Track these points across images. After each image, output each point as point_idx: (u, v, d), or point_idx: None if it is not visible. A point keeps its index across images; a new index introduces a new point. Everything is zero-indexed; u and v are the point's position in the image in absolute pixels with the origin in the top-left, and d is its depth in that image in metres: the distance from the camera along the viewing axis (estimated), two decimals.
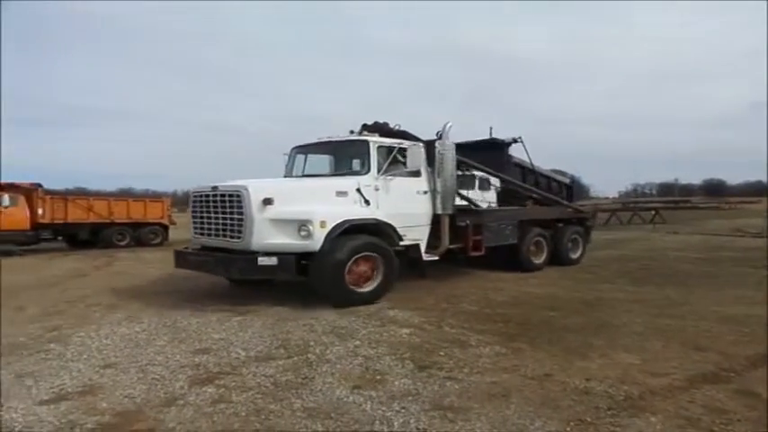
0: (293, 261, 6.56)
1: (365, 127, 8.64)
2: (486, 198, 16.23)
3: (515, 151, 18.32)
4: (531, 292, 8.07)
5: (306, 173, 8.51)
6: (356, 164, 8.16)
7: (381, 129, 8.55)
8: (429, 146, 8.27)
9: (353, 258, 6.80)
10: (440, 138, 8.30)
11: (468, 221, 8.78)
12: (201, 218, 7.48)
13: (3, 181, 16.85)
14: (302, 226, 6.59)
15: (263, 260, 6.50)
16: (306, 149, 8.77)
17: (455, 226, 8.50)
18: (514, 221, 9.93)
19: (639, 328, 5.72)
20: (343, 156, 8.45)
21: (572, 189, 20.94)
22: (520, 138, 17.64)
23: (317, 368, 4.48)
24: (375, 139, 7.85)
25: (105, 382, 4.16)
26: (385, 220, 7.34)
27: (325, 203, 6.95)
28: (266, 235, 6.61)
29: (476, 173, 16.33)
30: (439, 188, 8.15)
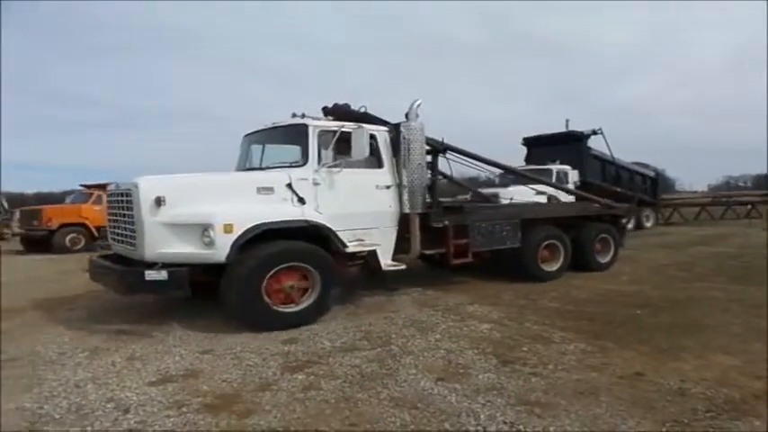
0: (185, 276, 5.33)
1: (324, 110, 7.40)
2: (563, 193, 15.83)
3: (596, 144, 17.87)
4: (617, 289, 7.76)
5: (264, 165, 6.95)
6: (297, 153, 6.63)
7: (340, 111, 7.32)
8: (397, 130, 6.96)
9: (273, 270, 5.56)
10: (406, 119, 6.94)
11: (446, 222, 7.36)
12: (112, 221, 6.41)
13: (91, 182, 17.88)
14: (204, 231, 5.38)
15: (150, 274, 5.29)
16: (252, 138, 7.30)
17: (430, 227, 7.20)
18: (515, 221, 8.09)
19: (738, 329, 5.38)
20: (285, 144, 7.02)
21: (656, 182, 19.98)
22: (599, 129, 17.11)
23: (400, 360, 4.58)
24: (316, 123, 6.46)
25: (204, 367, 4.47)
26: (321, 221, 5.99)
27: (240, 203, 5.68)
28: (161, 242, 5.42)
29: (552, 167, 16.05)
30: (405, 181, 6.84)
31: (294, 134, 6.55)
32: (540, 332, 5.39)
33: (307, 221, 5.89)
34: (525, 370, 4.26)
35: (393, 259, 6.82)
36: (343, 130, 6.34)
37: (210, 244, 5.33)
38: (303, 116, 6.65)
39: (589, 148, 17.08)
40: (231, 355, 4.76)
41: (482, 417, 3.39)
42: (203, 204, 5.51)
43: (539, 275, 8.27)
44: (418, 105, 6.94)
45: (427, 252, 7.33)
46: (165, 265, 5.38)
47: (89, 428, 3.32)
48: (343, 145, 6.33)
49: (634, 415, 3.36)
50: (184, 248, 5.42)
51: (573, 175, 15.98)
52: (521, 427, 3.24)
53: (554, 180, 15.75)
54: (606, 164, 17.44)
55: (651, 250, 12.60)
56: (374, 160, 6.74)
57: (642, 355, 4.58)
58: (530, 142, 18.27)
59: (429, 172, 7.47)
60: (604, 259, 9.44)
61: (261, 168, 6.76)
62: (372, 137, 6.64)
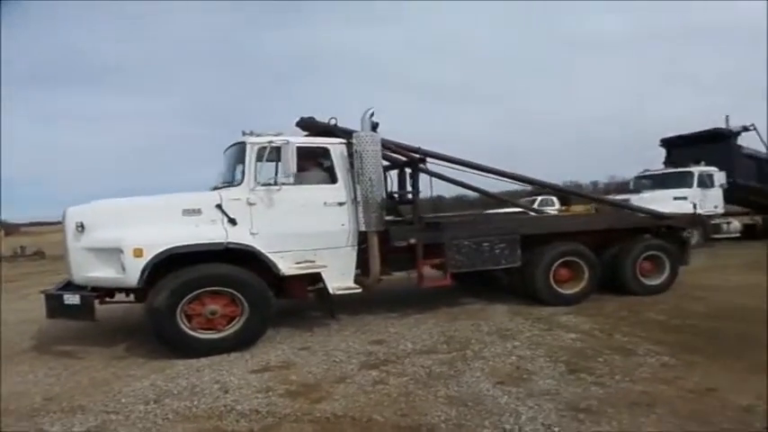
0: (92, 301, 5.42)
1: (298, 124, 7.02)
2: (707, 197, 14.39)
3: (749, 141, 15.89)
4: (744, 303, 7.05)
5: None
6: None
7: (310, 125, 6.92)
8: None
9: (190, 295, 5.35)
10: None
11: (412, 240, 6.53)
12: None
13: None
14: (120, 255, 5.31)
15: (68, 298, 5.46)
16: (225, 154, 6.87)
17: (394, 247, 6.50)
18: (512, 236, 6.99)
19: None
20: (237, 162, 6.46)
21: None
22: (752, 125, 15.24)
23: (470, 363, 4.84)
24: (255, 140, 6.07)
25: (298, 361, 5.16)
26: (248, 243, 5.70)
27: (161, 226, 5.54)
28: (85, 266, 5.49)
29: (693, 168, 14.67)
30: (359, 197, 6.34)
31: (238, 152, 6.25)
32: (625, 344, 5.26)
33: (231, 243, 5.58)
34: (589, 379, 4.29)
35: (357, 282, 6.39)
36: (272, 145, 5.98)
37: (123, 268, 5.29)
38: (251, 133, 6.25)
39: (740, 147, 15.29)
40: (323, 352, 5.40)
41: (523, 418, 3.58)
42: (122, 228, 5.44)
43: (551, 299, 7.11)
44: (371, 115, 6.44)
45: (396, 273, 6.91)
46: (81, 289, 5.58)
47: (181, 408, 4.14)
48: (302, 162, 6.15)
49: (682, 427, 3.30)
50: (105, 273, 5.42)
51: (719, 178, 14.46)
52: (556, 429, 3.38)
53: (696, 184, 14.45)
54: (763, 163, 15.46)
55: None
56: (326, 176, 6.44)
57: (729, 371, 4.32)
58: (669, 143, 16.83)
59: (392, 185, 7.08)
60: (654, 281, 7.79)
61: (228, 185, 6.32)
62: (325, 151, 6.45)
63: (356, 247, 6.43)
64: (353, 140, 6.35)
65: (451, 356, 5.08)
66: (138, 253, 5.26)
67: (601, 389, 4.05)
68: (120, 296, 5.98)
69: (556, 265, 7.20)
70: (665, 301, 7.26)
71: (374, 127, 6.56)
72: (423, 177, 7.01)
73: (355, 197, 6.38)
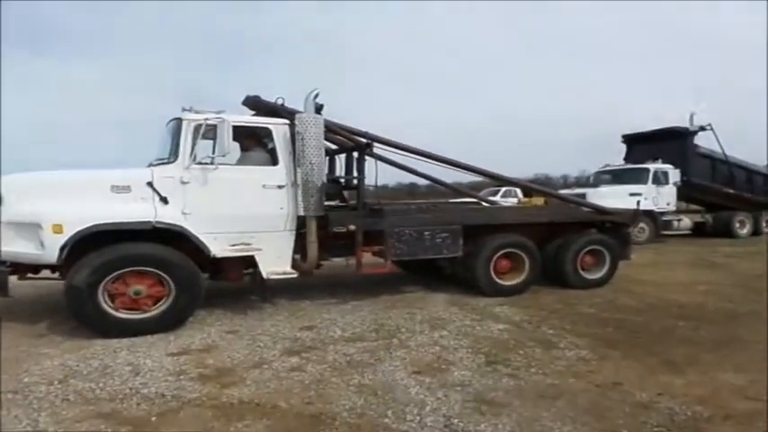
0: (4, 277, 5.23)
1: (244, 102, 6.90)
2: (661, 194, 14.70)
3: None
4: (678, 300, 7.18)
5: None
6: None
7: (256, 105, 6.77)
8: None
9: (112, 275, 5.20)
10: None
11: (351, 226, 6.52)
12: None
13: None
14: (39, 231, 5.14)
15: None
16: (166, 129, 6.46)
17: (334, 233, 6.49)
18: (454, 227, 6.98)
19: None
20: (173, 138, 6.05)
21: None
22: (709, 125, 15.55)
23: (393, 352, 4.83)
24: (191, 117, 5.84)
25: (222, 344, 5.07)
26: (177, 222, 5.54)
27: (87, 202, 5.33)
28: (5, 241, 5.28)
29: (650, 165, 14.95)
30: (298, 180, 6.18)
31: (175, 129, 5.95)
32: (550, 337, 5.33)
33: (159, 223, 5.43)
34: (504, 371, 4.32)
35: (294, 267, 6.29)
36: (208, 122, 5.78)
37: (42, 244, 5.14)
38: (191, 109, 5.98)
39: (696, 146, 15.63)
40: (249, 336, 5.32)
41: (427, 408, 3.58)
42: (44, 203, 5.22)
43: (490, 290, 7.11)
44: (315, 96, 6.24)
45: (334, 260, 6.84)
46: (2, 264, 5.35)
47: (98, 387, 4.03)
48: (244, 142, 6.24)
49: (577, 421, 3.35)
50: (25, 248, 5.24)
51: (674, 175, 14.80)
52: (455, 420, 3.39)
53: (651, 180, 14.72)
54: (717, 163, 15.84)
55: (756, 258, 11.33)
56: (267, 157, 6.29)
57: (642, 366, 4.40)
58: (630, 139, 17.11)
59: (335, 169, 7.16)
60: (594, 275, 7.85)
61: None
62: (266, 131, 6.28)
63: (294, 232, 6.32)
64: (296, 122, 6.16)
65: (377, 344, 5.06)
66: (57, 229, 5.09)
67: (512, 381, 4.09)
68: (46, 273, 5.79)
69: (497, 256, 7.21)
70: (601, 295, 7.38)
71: (318, 109, 6.44)
72: (375, 164, 6.98)
73: (295, 180, 6.22)
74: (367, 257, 6.85)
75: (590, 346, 4.97)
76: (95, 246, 5.27)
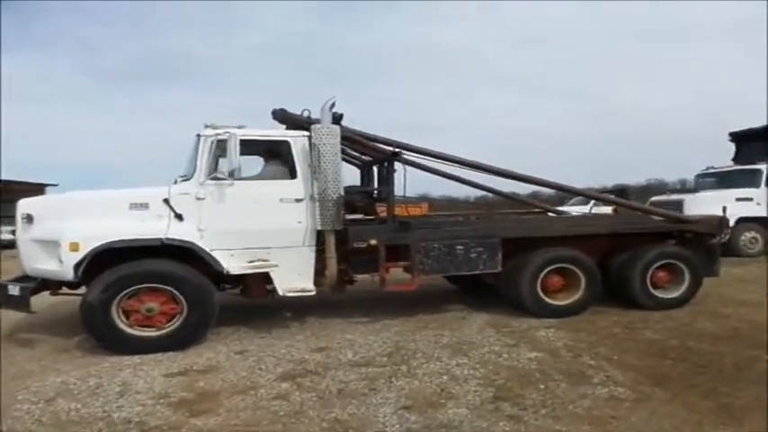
0: (27, 294, 5.44)
1: (273, 116, 6.62)
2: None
3: None
4: None
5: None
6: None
7: (282, 117, 6.53)
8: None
9: (125, 292, 5.23)
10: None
11: (372, 241, 6.02)
12: None
13: None
14: (57, 249, 5.30)
15: (11, 289, 5.53)
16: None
17: (357, 248, 6.09)
18: (491, 240, 6.34)
19: None
20: (192, 156, 6.07)
21: None
22: None
23: (394, 381, 4.35)
24: (207, 133, 5.81)
25: (224, 366, 4.88)
26: (189, 239, 5.48)
27: (106, 219, 5.44)
28: (33, 258, 5.52)
29: (763, 166, 12.93)
30: (316, 194, 5.93)
31: (194, 145, 5.95)
32: (586, 369, 4.54)
33: (161, 239, 5.40)
34: (509, 411, 3.69)
35: (316, 283, 6.02)
36: (219, 138, 5.70)
37: (60, 261, 5.27)
38: (212, 126, 5.96)
39: None
40: (256, 358, 5.09)
41: None
42: (65, 222, 5.40)
43: (538, 310, 6.35)
44: (331, 106, 5.98)
45: (358, 276, 6.43)
46: (21, 280, 5.68)
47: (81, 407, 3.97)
48: (264, 156, 6.24)
49: None
50: (49, 265, 5.42)
51: None
52: None
53: (764, 183, 12.71)
54: None
55: None
56: (284, 171, 6.09)
57: (688, 413, 3.56)
58: (739, 137, 14.96)
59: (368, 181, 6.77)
60: (669, 293, 6.79)
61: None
62: (285, 144, 6.08)
63: (314, 247, 6.04)
64: (311, 134, 5.94)
65: (382, 371, 4.60)
66: (74, 247, 5.22)
67: (511, 425, 3.45)
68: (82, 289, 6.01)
69: (545, 272, 6.42)
70: (677, 318, 6.31)
71: (337, 119, 6.16)
72: (404, 174, 6.57)
73: (313, 193, 5.98)
74: (398, 273, 6.42)
75: (631, 383, 4.15)
76: (117, 263, 5.37)
